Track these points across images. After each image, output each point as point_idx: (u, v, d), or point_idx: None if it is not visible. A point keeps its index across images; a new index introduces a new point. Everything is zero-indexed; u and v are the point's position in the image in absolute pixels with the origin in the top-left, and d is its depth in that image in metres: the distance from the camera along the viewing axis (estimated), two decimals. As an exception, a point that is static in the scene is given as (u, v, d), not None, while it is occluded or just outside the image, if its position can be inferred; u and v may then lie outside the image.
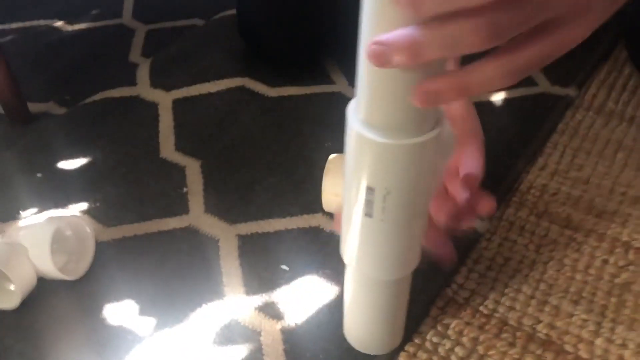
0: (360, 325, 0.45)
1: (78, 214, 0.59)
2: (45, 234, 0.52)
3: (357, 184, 0.35)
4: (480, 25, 0.25)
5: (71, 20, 0.94)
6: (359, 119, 0.33)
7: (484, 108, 0.70)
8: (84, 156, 0.68)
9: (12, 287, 0.52)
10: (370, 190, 0.34)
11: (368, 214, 0.35)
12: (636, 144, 0.65)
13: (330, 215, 0.58)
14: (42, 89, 0.80)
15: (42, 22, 0.94)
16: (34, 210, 0.61)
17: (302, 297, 0.51)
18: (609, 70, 0.76)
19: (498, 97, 0.72)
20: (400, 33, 0.26)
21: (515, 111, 0.69)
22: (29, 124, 0.74)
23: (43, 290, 0.53)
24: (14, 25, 0.93)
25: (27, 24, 0.94)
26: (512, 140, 0.65)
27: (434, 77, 0.28)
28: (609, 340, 0.47)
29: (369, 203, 0.35)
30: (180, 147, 0.68)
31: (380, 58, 0.27)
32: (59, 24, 0.94)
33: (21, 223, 0.57)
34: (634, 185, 0.60)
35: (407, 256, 0.39)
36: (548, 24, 0.27)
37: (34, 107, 0.76)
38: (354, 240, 0.38)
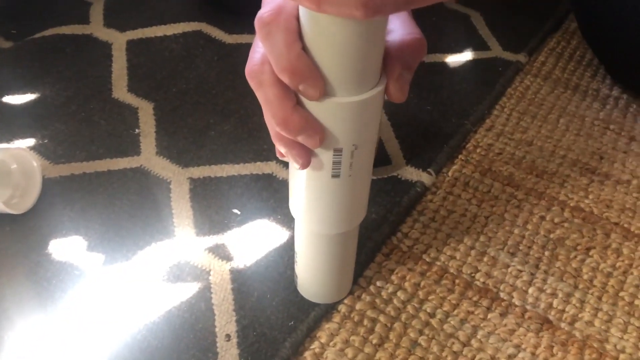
0: (312, 277, 0.46)
1: (24, 148, 0.58)
2: (-10, 166, 0.50)
3: (321, 150, 0.35)
4: None
5: (19, -48, 0.90)
6: None
7: (436, 69, 0.72)
8: (32, 92, 0.65)
9: (-47, 219, 0.51)
10: (337, 151, 0.35)
11: (335, 175, 0.36)
12: (578, 111, 0.68)
13: (283, 163, 0.59)
14: (-13, 21, 0.77)
15: (-13, -50, 0.89)
16: (-23, 143, 0.59)
17: (252, 241, 0.52)
18: (558, 39, 0.78)
19: (452, 60, 0.73)
20: None
21: (467, 74, 0.71)
22: (-29, 56, 0.71)
23: (-14, 223, 0.52)
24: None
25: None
26: (463, 101, 0.67)
27: None
28: (540, 290, 0.50)
29: (336, 164, 0.35)
30: (133, 88, 0.67)
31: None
32: (5, -46, 0.89)
33: (-36, 154, 0.55)
34: (574, 149, 0.63)
35: (360, 208, 0.40)
36: None
37: (-23, 39, 0.72)
38: (315, 202, 0.38)
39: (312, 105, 0.33)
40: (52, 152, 0.59)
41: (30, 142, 0.60)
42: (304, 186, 0.38)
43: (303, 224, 0.41)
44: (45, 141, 0.60)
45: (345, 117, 0.33)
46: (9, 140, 0.60)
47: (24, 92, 0.65)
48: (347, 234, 0.42)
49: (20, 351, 0.44)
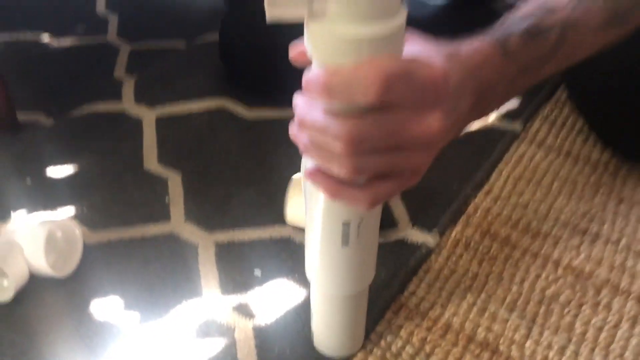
0: (327, 333, 0.51)
1: (67, 217, 0.64)
2: (39, 235, 0.57)
3: (331, 223, 0.40)
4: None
5: (58, 35, 0.99)
6: None
7: (440, 137, 0.78)
8: (72, 165, 0.72)
9: (5, 283, 0.56)
10: (345, 224, 0.41)
11: (345, 244, 0.42)
12: (570, 175, 0.73)
13: (299, 227, 0.65)
14: (30, 99, 0.85)
15: (29, 34, 0.99)
16: (25, 212, 0.66)
17: (273, 299, 0.58)
18: (551, 108, 0.85)
19: (453, 128, 0.80)
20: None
21: (468, 143, 0.77)
22: (17, 133, 0.78)
23: (34, 286, 0.57)
24: (1, 38, 0.97)
25: (15, 36, 0.99)
26: (463, 168, 0.73)
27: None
28: (537, 343, 0.55)
29: (345, 236, 0.41)
30: (162, 160, 0.74)
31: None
32: (46, 37, 0.99)
33: (16, 224, 0.62)
34: (566, 211, 0.68)
35: (369, 271, 0.46)
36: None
37: (22, 116, 0.80)
38: (327, 268, 0.44)
39: None
40: (90, 220, 0.65)
41: (71, 210, 0.66)
42: (318, 253, 0.44)
43: (317, 286, 0.47)
44: (85, 210, 0.66)
45: None
46: (52, 208, 0.66)
47: (65, 165, 0.73)
48: (358, 294, 0.47)
49: (66, 403, 0.49)
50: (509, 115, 0.82)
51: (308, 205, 0.42)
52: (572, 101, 0.83)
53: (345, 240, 0.41)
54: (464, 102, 0.38)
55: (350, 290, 0.46)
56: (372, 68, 0.32)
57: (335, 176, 0.37)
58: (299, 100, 0.36)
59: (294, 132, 0.38)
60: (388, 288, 0.58)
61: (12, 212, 0.66)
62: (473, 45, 0.40)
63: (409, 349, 0.54)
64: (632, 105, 0.69)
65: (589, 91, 0.75)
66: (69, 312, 0.56)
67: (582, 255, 0.63)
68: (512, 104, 0.83)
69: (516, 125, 0.80)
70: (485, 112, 0.43)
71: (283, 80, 0.84)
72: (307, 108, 0.36)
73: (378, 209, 0.42)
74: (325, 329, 0.51)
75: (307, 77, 0.34)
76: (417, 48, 0.36)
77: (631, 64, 0.68)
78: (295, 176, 0.63)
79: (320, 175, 0.37)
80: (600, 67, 0.71)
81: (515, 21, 0.43)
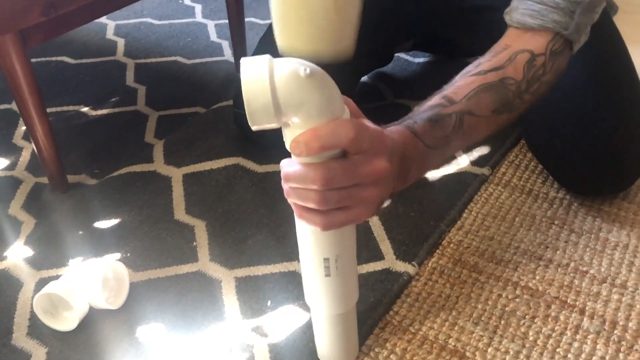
0: (327, 346, 0.65)
1: (115, 260, 0.79)
2: (96, 275, 0.71)
3: (314, 259, 0.54)
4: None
5: (95, 107, 1.16)
6: None
7: (419, 183, 0.93)
8: (114, 218, 0.88)
9: (71, 315, 0.71)
10: (326, 259, 0.55)
11: (327, 275, 0.56)
12: (530, 211, 0.87)
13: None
14: (75, 163, 1.01)
15: (71, 107, 1.16)
16: (80, 258, 0.81)
17: (283, 321, 0.72)
18: (516, 153, 0.99)
19: (432, 175, 0.95)
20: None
21: (442, 186, 0.92)
22: (67, 192, 0.94)
23: (93, 316, 0.72)
24: (48, 110, 1.14)
25: (58, 109, 1.16)
26: (440, 208, 0.87)
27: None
28: (497, 349, 0.68)
29: (326, 268, 0.55)
30: (189, 211, 0.89)
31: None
32: (85, 109, 1.16)
33: (76, 267, 0.77)
34: (525, 241, 0.82)
35: (352, 294, 0.60)
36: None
37: (69, 178, 0.96)
38: (318, 293, 0.58)
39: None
40: (133, 263, 0.80)
41: (117, 255, 0.81)
42: (309, 283, 0.58)
43: (314, 308, 0.61)
44: (128, 254, 0.81)
45: (323, 239, 0.54)
46: (101, 255, 0.81)
47: (109, 218, 0.88)
48: (346, 313, 0.61)
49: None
50: (479, 162, 0.96)
51: (299, 246, 0.56)
52: (529, 147, 0.97)
53: (327, 272, 0.55)
54: (395, 159, 0.53)
55: (338, 310, 0.60)
56: (348, 122, 0.48)
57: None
58: (284, 162, 0.51)
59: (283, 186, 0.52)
60: (376, 309, 0.72)
61: (70, 259, 0.81)
62: (390, 127, 0.55)
63: (393, 358, 0.67)
64: (578, 149, 0.83)
65: (542, 140, 0.89)
66: (121, 337, 0.70)
67: (537, 277, 0.77)
68: (482, 150, 0.98)
69: (485, 170, 0.94)
70: (407, 178, 0.56)
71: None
72: (289, 165, 0.50)
73: (352, 248, 0.57)
74: (324, 343, 0.64)
75: (294, 143, 0.48)
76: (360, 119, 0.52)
77: (576, 116, 0.83)
78: None
79: (294, 205, 0.52)
80: (550, 121, 0.85)
81: (420, 111, 0.58)
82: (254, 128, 0.47)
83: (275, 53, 0.48)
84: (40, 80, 0.85)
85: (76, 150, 1.04)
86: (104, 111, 1.15)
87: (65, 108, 1.16)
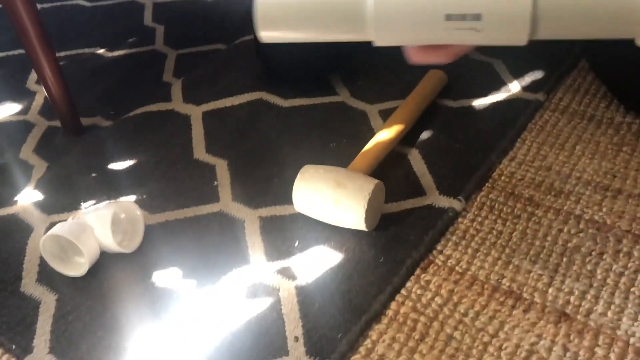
0: None
1: (128, 200, 0.72)
2: (106, 216, 0.65)
3: None
4: None
5: (111, 48, 1.09)
6: None
7: (464, 112, 0.83)
8: (130, 159, 0.81)
9: (82, 259, 0.65)
10: None
11: None
12: (593, 137, 0.77)
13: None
14: (90, 106, 0.94)
15: (86, 50, 1.09)
16: (92, 202, 0.74)
17: (312, 263, 0.64)
18: (574, 77, 0.88)
19: (478, 103, 0.84)
20: None
21: (492, 114, 0.82)
22: (81, 135, 0.88)
23: (105, 261, 0.66)
24: (62, 54, 1.08)
25: (74, 52, 1.09)
26: (488, 138, 0.77)
27: None
28: (559, 289, 0.59)
29: None
30: (210, 150, 0.81)
31: None
32: (100, 51, 1.09)
33: (86, 209, 0.70)
34: (588, 170, 0.72)
35: None
36: None
37: (84, 121, 0.89)
38: None
39: None
40: (149, 205, 0.73)
41: (132, 198, 0.75)
42: None
43: None
44: (144, 196, 0.75)
45: None
46: (116, 197, 0.75)
47: (124, 160, 0.81)
48: None
49: (136, 354, 0.57)
50: (532, 87, 0.85)
51: None
52: (594, 70, 0.86)
53: None
54: None
55: None
56: None
57: None
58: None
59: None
60: (417, 248, 0.63)
61: (82, 202, 0.74)
62: None
63: (438, 300, 0.59)
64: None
65: (608, 60, 0.78)
66: (135, 282, 0.64)
67: (604, 210, 0.66)
68: (535, 75, 0.87)
69: (539, 96, 0.83)
70: None
71: (313, 72, 0.91)
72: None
73: None
74: None
75: None
76: None
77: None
78: (304, 168, 0.68)
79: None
80: (618, 40, 0.73)
81: None
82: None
83: None
84: (54, 24, 0.79)
85: (91, 93, 0.98)
86: (121, 52, 1.08)
87: (80, 51, 1.09)
